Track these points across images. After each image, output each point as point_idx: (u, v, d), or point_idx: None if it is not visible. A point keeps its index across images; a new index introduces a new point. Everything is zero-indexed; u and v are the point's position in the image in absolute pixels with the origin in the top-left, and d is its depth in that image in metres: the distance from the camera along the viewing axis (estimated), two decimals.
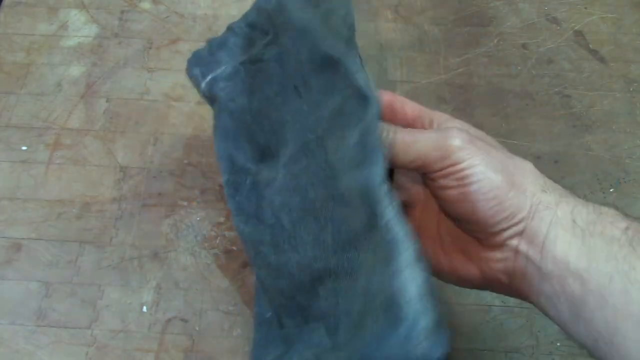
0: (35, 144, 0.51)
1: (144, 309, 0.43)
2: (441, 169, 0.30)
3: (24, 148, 0.50)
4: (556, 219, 0.29)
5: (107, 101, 0.53)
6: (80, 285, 0.44)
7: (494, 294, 0.44)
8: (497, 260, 0.30)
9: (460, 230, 0.32)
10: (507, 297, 0.44)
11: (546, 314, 0.30)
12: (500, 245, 0.30)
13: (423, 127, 0.33)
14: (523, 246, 0.29)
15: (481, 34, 0.58)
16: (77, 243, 0.46)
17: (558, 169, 0.50)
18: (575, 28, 0.59)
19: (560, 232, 0.28)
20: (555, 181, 0.52)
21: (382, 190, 0.29)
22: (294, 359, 0.32)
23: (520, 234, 0.29)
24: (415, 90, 0.54)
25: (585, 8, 0.60)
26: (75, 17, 0.58)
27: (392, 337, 0.27)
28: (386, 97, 0.34)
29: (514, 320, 0.43)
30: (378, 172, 0.30)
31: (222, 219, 0.47)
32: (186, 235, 0.46)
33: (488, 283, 0.32)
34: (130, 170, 0.50)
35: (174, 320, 0.43)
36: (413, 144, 0.30)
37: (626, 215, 0.29)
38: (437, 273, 0.34)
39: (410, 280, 0.27)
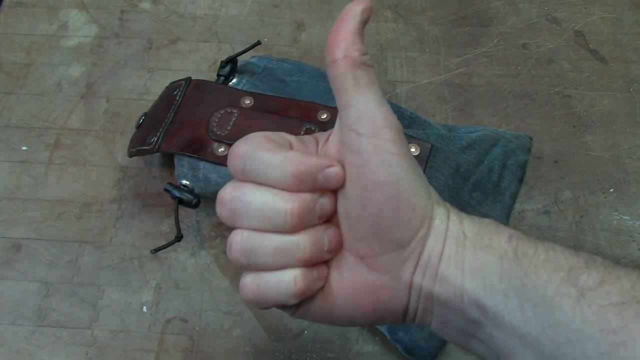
0: (35, 144, 0.51)
1: (144, 309, 0.43)
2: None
3: (24, 148, 0.50)
4: (449, 233, 0.26)
5: (107, 101, 0.53)
6: (80, 285, 0.44)
7: None
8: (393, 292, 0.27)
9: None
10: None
11: (436, 333, 0.28)
12: (389, 270, 0.26)
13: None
14: (417, 277, 0.26)
15: (481, 34, 0.58)
16: (77, 243, 0.46)
17: (558, 169, 0.50)
18: (575, 28, 0.59)
19: (454, 249, 0.26)
20: (555, 181, 0.53)
21: None
22: None
23: (415, 260, 0.26)
24: (415, 90, 0.54)
25: (585, 8, 0.60)
26: (75, 17, 0.58)
27: None
28: None
29: None
30: None
31: None
32: (186, 235, 0.46)
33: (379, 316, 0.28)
34: (130, 170, 0.50)
35: (174, 320, 0.43)
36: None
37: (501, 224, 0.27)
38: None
39: None
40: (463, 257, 0.26)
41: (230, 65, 0.49)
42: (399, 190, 0.25)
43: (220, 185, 0.44)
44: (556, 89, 0.55)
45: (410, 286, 0.26)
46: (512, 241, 0.25)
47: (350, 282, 0.27)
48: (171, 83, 0.50)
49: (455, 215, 0.27)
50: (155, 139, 0.45)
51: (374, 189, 0.25)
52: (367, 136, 0.25)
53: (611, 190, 0.49)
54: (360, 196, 0.26)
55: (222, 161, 0.43)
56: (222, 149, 0.44)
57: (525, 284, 0.24)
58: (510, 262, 0.25)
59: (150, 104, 0.51)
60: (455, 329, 0.27)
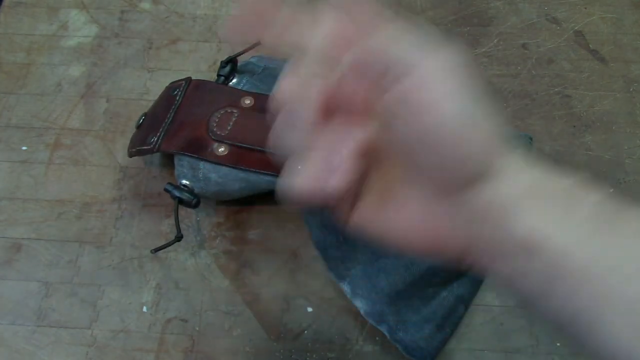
0: (35, 144, 0.51)
1: (144, 309, 0.44)
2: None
3: (24, 148, 0.50)
4: (531, 184, 0.26)
5: (107, 101, 0.53)
6: (80, 285, 0.44)
7: (494, 294, 0.44)
8: (455, 224, 0.26)
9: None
10: (507, 297, 0.44)
11: (506, 286, 0.26)
12: (459, 205, 0.26)
13: None
14: (477, 225, 0.25)
15: (481, 34, 0.58)
16: (77, 243, 0.46)
17: (558, 169, 0.50)
18: (575, 28, 0.59)
19: (536, 201, 0.25)
20: None
21: None
22: None
23: (476, 208, 0.25)
24: None
25: (585, 8, 0.60)
26: (75, 17, 0.58)
27: None
28: None
29: (514, 321, 0.43)
30: None
31: (222, 219, 0.47)
32: (186, 235, 0.46)
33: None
34: (130, 170, 0.50)
35: (174, 320, 0.43)
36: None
37: (593, 184, 0.26)
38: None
39: None
40: (548, 212, 0.25)
41: (230, 65, 0.49)
42: (442, 139, 0.24)
43: (220, 185, 0.44)
44: (556, 89, 0.55)
45: (470, 230, 0.26)
46: (605, 204, 0.25)
47: (413, 211, 0.27)
48: (171, 83, 0.50)
49: (526, 174, 0.26)
50: (155, 139, 0.45)
51: (419, 138, 0.25)
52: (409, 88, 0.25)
53: (611, 190, 0.49)
54: (406, 146, 0.26)
55: (222, 161, 0.43)
56: (222, 149, 0.44)
57: (620, 245, 0.23)
58: (604, 224, 0.24)
59: (150, 104, 0.51)
60: (532, 281, 0.25)
